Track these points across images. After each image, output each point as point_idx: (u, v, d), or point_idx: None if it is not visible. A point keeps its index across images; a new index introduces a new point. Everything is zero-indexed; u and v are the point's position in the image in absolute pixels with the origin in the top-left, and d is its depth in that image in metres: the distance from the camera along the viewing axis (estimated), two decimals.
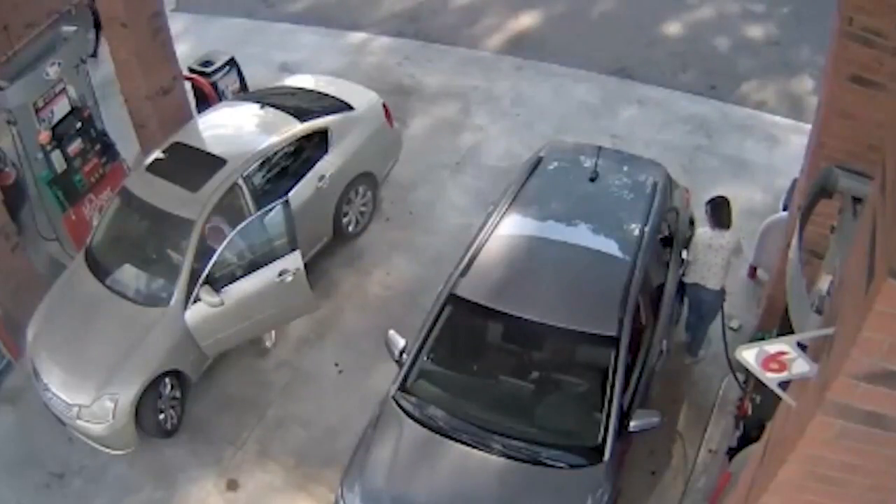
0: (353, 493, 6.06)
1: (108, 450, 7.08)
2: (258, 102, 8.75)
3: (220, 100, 10.42)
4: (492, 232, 6.96)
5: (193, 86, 10.26)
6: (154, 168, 7.93)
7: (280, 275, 7.38)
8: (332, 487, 6.58)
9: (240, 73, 10.57)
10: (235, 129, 8.58)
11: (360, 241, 9.10)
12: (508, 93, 10.94)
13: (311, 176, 8.37)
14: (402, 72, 11.39)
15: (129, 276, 7.58)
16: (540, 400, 6.49)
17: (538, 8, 12.45)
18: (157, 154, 8.09)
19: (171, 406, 7.29)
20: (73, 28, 8.51)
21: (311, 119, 8.53)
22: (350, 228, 9.02)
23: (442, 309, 6.62)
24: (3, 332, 7.91)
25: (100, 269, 7.63)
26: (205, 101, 10.38)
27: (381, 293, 8.58)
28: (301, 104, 8.88)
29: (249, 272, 7.35)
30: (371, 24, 12.44)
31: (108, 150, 8.84)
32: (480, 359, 6.83)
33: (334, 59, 11.62)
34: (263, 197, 7.95)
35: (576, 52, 11.48)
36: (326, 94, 9.20)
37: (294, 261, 7.41)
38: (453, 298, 6.61)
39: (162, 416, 7.19)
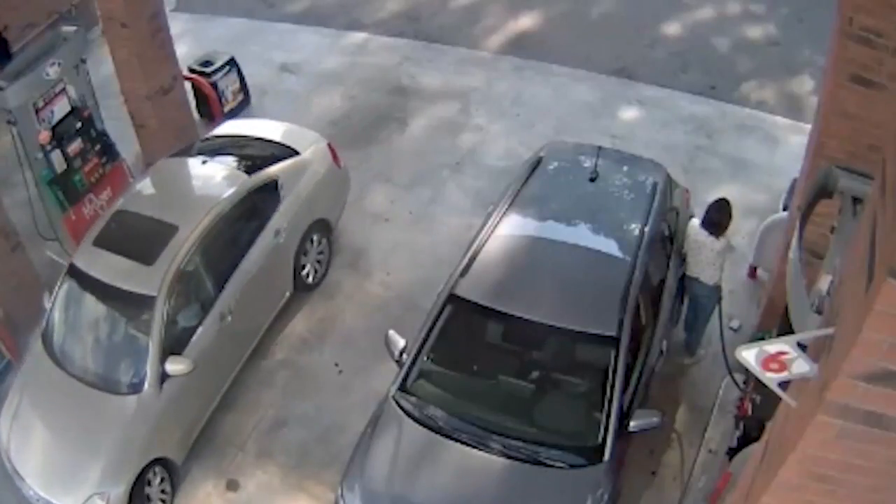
0: (353, 494, 6.07)
1: None
2: (200, 156, 8.11)
3: (220, 100, 10.44)
4: (492, 232, 6.96)
5: (193, 86, 10.29)
6: (101, 241, 7.24)
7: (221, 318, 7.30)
8: (332, 487, 6.58)
9: (240, 74, 10.60)
10: (181, 190, 7.97)
11: (360, 241, 9.09)
12: (508, 93, 10.93)
13: (267, 231, 7.82)
14: (401, 72, 11.38)
15: (96, 363, 6.98)
16: (540, 400, 6.49)
17: (538, 8, 12.44)
18: (101, 225, 7.39)
19: (161, 491, 6.86)
20: (73, 28, 8.50)
21: (258, 170, 7.93)
22: (309, 280, 8.50)
23: (442, 309, 6.62)
24: (4, 332, 7.90)
25: (62, 358, 6.99)
26: (205, 102, 10.41)
27: (381, 293, 8.58)
28: (245, 153, 8.31)
29: (198, 321, 7.15)
30: (371, 24, 12.43)
31: (108, 150, 8.83)
32: (480, 359, 6.82)
33: (334, 59, 11.63)
34: (221, 260, 7.44)
35: (576, 52, 11.48)
36: (269, 140, 8.59)
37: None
38: (453, 298, 6.61)
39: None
